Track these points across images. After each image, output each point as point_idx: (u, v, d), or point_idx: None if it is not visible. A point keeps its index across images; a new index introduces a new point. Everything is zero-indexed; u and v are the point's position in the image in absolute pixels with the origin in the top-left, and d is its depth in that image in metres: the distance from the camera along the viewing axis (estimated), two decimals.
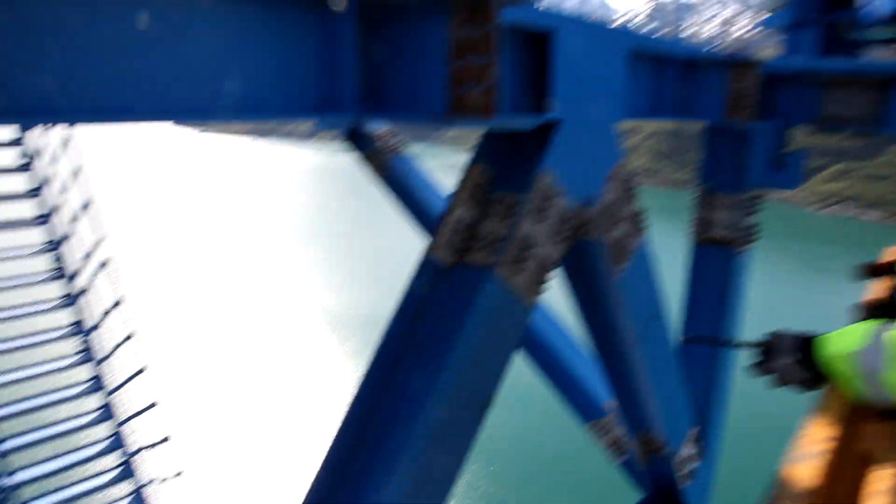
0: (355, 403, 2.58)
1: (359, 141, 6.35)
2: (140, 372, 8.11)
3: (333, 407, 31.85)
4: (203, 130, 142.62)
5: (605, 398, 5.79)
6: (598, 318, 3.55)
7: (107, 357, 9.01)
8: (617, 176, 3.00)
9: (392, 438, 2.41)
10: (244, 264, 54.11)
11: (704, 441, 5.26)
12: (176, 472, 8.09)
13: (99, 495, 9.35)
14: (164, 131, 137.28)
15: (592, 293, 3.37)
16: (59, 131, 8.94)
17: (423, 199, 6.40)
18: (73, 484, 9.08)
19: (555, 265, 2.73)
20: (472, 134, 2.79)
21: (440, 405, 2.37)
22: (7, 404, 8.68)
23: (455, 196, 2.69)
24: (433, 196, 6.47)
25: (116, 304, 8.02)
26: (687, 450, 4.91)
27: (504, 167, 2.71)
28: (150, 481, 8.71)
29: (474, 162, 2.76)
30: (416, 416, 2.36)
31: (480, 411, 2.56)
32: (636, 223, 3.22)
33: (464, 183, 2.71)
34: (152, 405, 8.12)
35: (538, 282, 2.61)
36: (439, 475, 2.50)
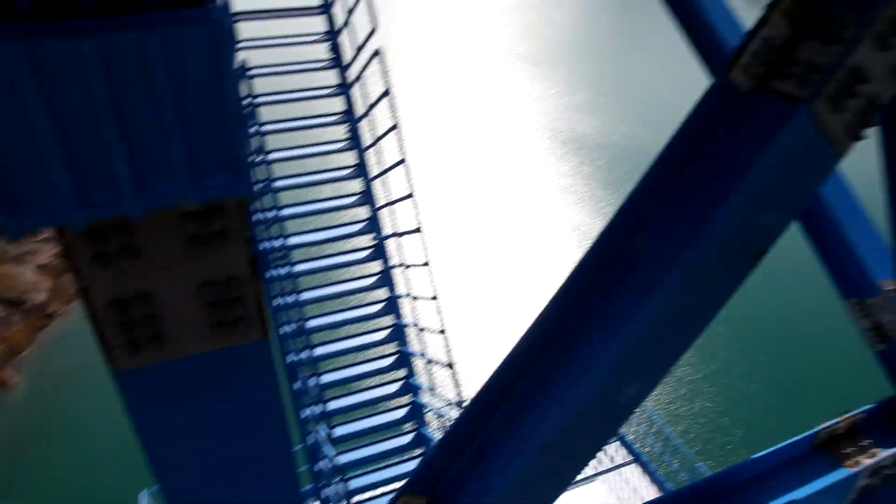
0: (610, 231, 2.43)
1: None
2: (400, 162, 8.64)
3: (570, 229, 32.38)
4: None
5: (883, 275, 5.05)
6: None
7: (372, 144, 9.72)
8: None
9: (646, 271, 2.26)
10: (494, 74, 54.24)
11: None
12: (423, 262, 8.83)
13: (354, 268, 10.65)
14: None
15: None
16: None
17: (710, 17, 5.62)
18: (333, 255, 10.39)
19: (882, 109, 2.22)
20: None
21: (708, 246, 2.14)
22: (282, 178, 9.90)
23: (767, 10, 2.23)
24: (723, 14, 5.65)
25: (385, 94, 8.42)
26: None
27: None
28: (399, 264, 9.63)
29: None
30: (676, 256, 2.16)
31: (750, 262, 2.28)
32: None
33: None
34: (409, 195, 8.71)
35: (860, 126, 2.13)
36: (689, 319, 2.33)
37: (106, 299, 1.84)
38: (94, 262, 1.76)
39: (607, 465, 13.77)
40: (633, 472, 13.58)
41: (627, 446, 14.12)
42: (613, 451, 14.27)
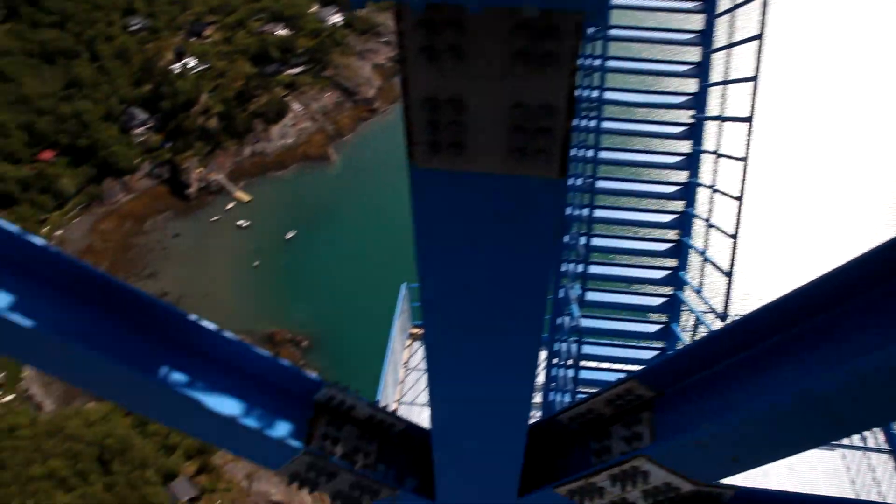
0: None
1: None
2: (756, 37, 7.56)
3: None
4: None
5: None
6: None
7: (726, 12, 8.69)
8: None
9: None
10: None
11: None
12: (740, 157, 7.87)
13: (662, 142, 10.08)
14: None
15: None
16: None
17: None
18: (644, 122, 9.85)
19: None
20: None
21: None
22: (618, 27, 9.34)
23: None
24: None
25: None
26: None
27: None
28: (712, 151, 8.79)
29: None
30: None
31: None
32: None
33: None
34: (752, 78, 7.67)
35: None
36: None
37: (422, 95, 1.87)
38: (420, 55, 1.77)
39: (856, 442, 12.14)
40: (884, 464, 11.83)
41: (888, 434, 12.24)
42: (869, 432, 12.49)
